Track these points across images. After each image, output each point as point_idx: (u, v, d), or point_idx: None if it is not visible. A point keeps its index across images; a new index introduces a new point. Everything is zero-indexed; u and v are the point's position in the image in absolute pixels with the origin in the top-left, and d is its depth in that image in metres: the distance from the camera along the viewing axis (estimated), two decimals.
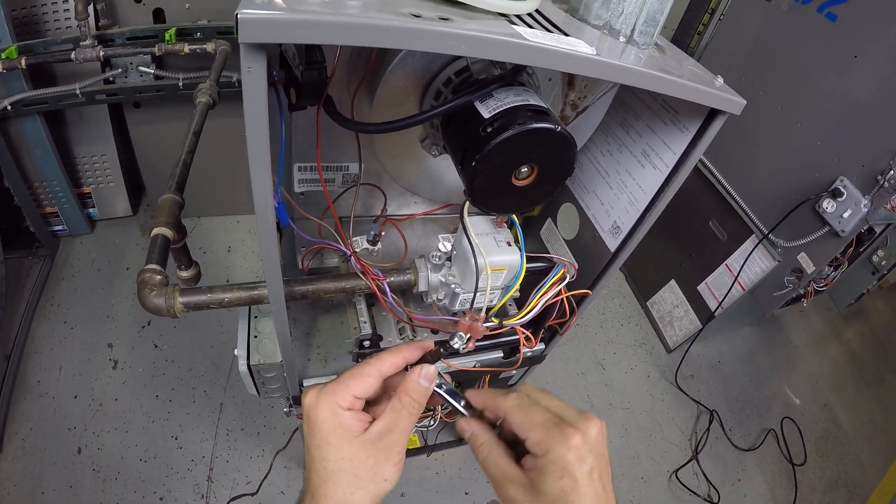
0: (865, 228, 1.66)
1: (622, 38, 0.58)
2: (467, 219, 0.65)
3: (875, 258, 2.52)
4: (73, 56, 1.36)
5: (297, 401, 0.85)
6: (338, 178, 0.82)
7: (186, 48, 1.36)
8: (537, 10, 0.55)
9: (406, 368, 0.53)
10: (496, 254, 0.69)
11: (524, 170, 0.56)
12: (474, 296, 0.70)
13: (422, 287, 0.74)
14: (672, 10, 0.60)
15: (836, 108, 1.58)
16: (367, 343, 0.81)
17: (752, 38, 1.84)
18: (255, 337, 0.81)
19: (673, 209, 1.95)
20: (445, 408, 0.85)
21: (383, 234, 0.87)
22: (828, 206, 1.54)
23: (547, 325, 0.86)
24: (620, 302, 2.25)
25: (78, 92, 1.45)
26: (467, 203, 0.61)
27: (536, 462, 0.45)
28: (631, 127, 0.74)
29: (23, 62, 1.34)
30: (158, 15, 1.46)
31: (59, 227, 1.83)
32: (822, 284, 1.78)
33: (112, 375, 1.54)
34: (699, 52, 2.15)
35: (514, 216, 0.71)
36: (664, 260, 2.14)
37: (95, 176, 1.81)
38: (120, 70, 1.44)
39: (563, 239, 0.91)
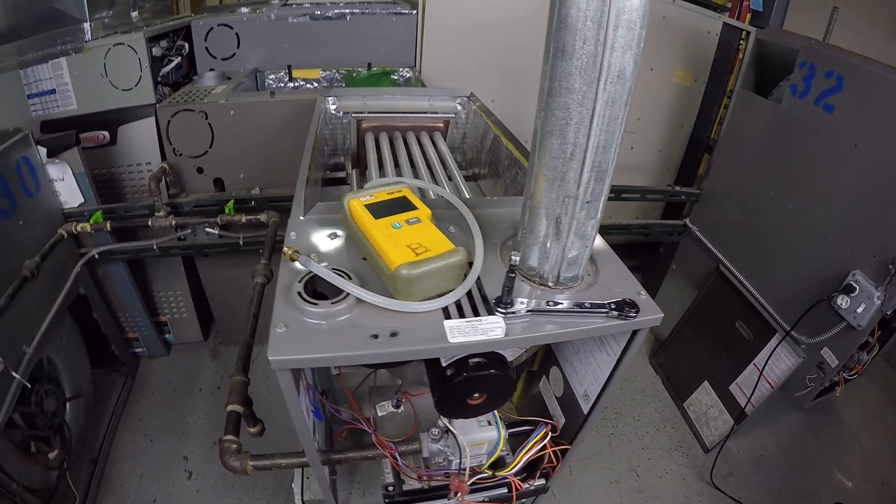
0: (890, 312, 1.71)
1: (551, 283, 0.80)
2: None
3: None
4: (149, 223, 1.75)
5: None
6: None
7: (244, 219, 1.73)
8: (478, 280, 0.77)
9: None
10: (475, 432, 0.92)
11: (475, 395, 0.78)
12: (460, 463, 0.93)
13: (425, 454, 0.98)
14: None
15: (842, 200, 1.68)
16: (391, 488, 1.05)
17: (758, 138, 1.98)
18: (308, 478, 1.09)
19: (701, 311, 2.18)
20: None
21: (403, 399, 1.11)
22: (842, 302, 1.62)
23: (542, 468, 1.07)
24: (657, 406, 2.32)
25: (155, 247, 1.84)
26: None
27: None
28: None
29: (108, 226, 1.75)
30: (218, 182, 1.85)
31: (140, 350, 2.24)
32: (853, 372, 1.82)
33: (187, 484, 1.85)
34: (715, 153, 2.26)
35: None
36: (697, 362, 2.23)
37: (171, 307, 2.22)
38: (190, 230, 1.81)
39: (554, 395, 1.11)
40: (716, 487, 1.95)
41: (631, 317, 0.73)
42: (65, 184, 1.71)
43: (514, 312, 0.70)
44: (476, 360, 0.75)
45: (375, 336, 0.64)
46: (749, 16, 2.74)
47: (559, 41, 0.63)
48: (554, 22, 0.62)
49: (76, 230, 1.70)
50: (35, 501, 1.52)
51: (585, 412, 0.99)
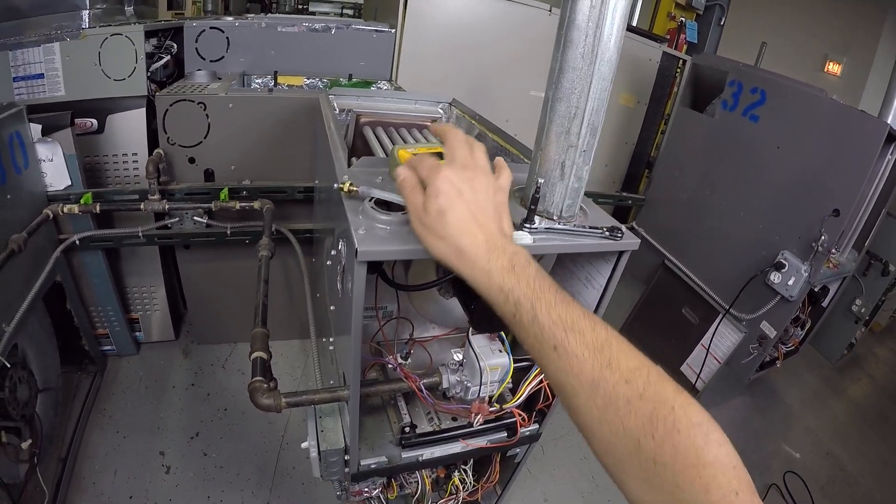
0: (818, 288, 2.10)
1: (555, 217, 1.04)
2: (472, 337, 1.09)
3: (854, 307, 2.96)
4: (142, 207, 1.85)
5: (356, 478, 1.23)
6: (379, 313, 1.27)
7: (237, 205, 1.87)
8: None
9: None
10: (492, 358, 1.12)
11: None
12: (480, 387, 1.13)
13: (444, 385, 1.16)
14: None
15: (769, 193, 2.08)
16: (407, 429, 1.21)
17: (695, 148, 2.39)
18: (322, 431, 1.23)
19: (650, 304, 2.57)
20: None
21: (412, 351, 1.30)
22: (775, 277, 1.98)
23: (537, 409, 1.29)
24: None
25: (140, 234, 1.93)
26: (471, 328, 1.06)
27: (426, 190, 0.69)
28: (576, 262, 1.19)
29: (97, 208, 1.82)
30: (208, 174, 1.98)
31: (109, 348, 2.25)
32: (790, 345, 2.19)
33: (165, 479, 1.88)
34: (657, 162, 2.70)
35: (503, 332, 1.14)
36: (648, 348, 2.49)
37: (143, 304, 2.26)
38: (177, 219, 1.92)
39: None
40: None
41: (618, 237, 0.99)
42: (53, 165, 1.78)
43: (536, 228, 0.94)
44: None
45: None
46: (685, 47, 3.26)
47: (569, 36, 0.89)
48: (565, 22, 0.90)
49: (63, 211, 1.76)
50: (3, 496, 1.54)
51: None
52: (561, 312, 0.58)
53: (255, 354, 1.23)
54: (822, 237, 1.88)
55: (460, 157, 0.72)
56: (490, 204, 0.70)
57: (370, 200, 0.89)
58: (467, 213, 0.67)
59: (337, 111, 1.72)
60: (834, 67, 3.79)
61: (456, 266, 0.67)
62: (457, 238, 0.66)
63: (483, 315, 1.00)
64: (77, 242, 1.89)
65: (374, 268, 1.01)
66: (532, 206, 0.94)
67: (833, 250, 1.93)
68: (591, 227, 0.99)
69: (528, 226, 0.94)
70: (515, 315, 0.61)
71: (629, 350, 0.57)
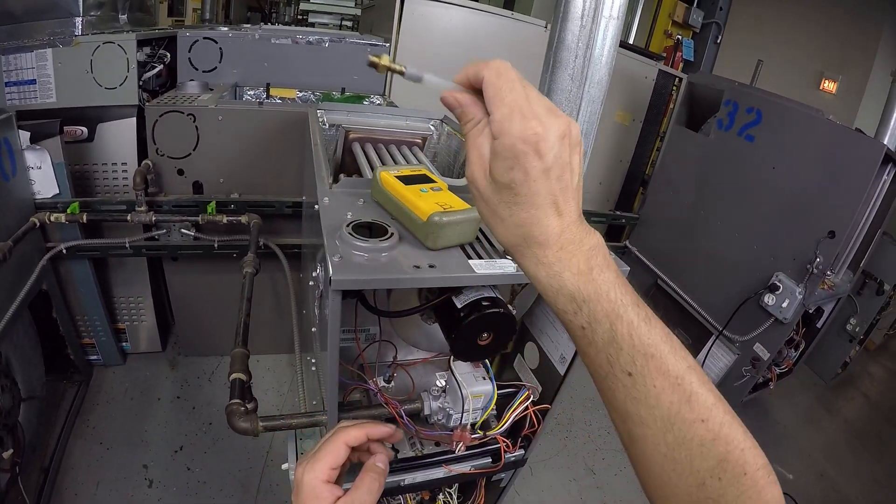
0: (813, 309, 2.06)
1: None
2: (453, 364, 1.05)
3: (849, 326, 2.91)
4: (129, 218, 1.81)
5: None
6: (361, 336, 1.22)
7: (225, 219, 1.83)
8: (487, 238, 0.97)
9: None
10: (475, 385, 1.07)
11: (485, 335, 0.95)
12: (462, 414, 1.08)
13: (426, 411, 1.11)
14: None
15: (764, 214, 2.04)
16: None
17: (690, 167, 2.35)
18: (302, 453, 1.18)
19: None
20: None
21: (395, 375, 1.25)
22: (769, 299, 1.94)
23: (523, 435, 1.24)
24: (606, 413, 2.56)
25: (127, 245, 1.89)
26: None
27: (494, 144, 0.46)
28: None
29: (84, 217, 1.79)
30: (197, 186, 1.94)
31: (95, 357, 2.21)
32: (783, 367, 2.14)
33: (148, 493, 1.83)
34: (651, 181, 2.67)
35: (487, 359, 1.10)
36: None
37: (130, 314, 2.22)
38: (164, 230, 1.88)
39: (530, 368, 1.29)
40: None
41: None
42: (41, 172, 1.74)
43: None
44: (485, 302, 0.93)
45: (417, 266, 0.81)
46: (682, 65, 3.24)
47: (558, 56, 0.86)
48: (554, 43, 0.86)
49: (49, 220, 1.73)
50: None
51: (562, 373, 1.17)
52: (643, 335, 0.48)
53: (234, 376, 1.20)
54: (818, 259, 1.84)
55: (543, 105, 0.46)
56: (575, 177, 0.48)
57: (348, 226, 0.85)
58: (548, 195, 0.47)
59: (326, 126, 1.68)
60: (830, 85, 3.77)
61: (516, 258, 0.51)
62: (528, 227, 0.48)
63: (465, 344, 0.95)
64: (64, 251, 1.86)
65: (354, 293, 0.96)
66: None
67: (828, 272, 1.88)
68: None
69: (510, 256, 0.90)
70: (586, 330, 0.49)
71: (705, 381, 0.48)
